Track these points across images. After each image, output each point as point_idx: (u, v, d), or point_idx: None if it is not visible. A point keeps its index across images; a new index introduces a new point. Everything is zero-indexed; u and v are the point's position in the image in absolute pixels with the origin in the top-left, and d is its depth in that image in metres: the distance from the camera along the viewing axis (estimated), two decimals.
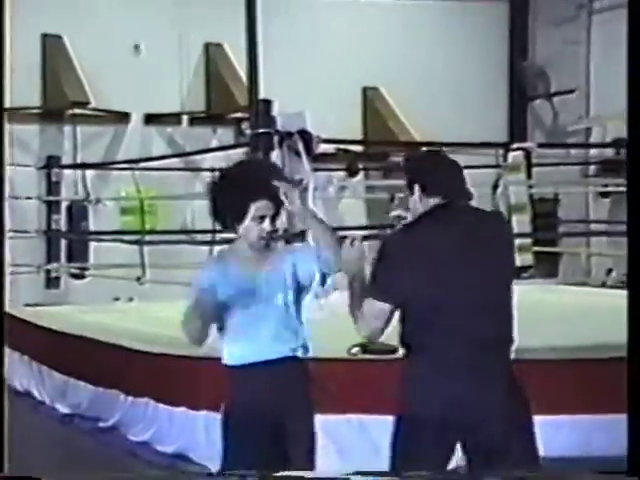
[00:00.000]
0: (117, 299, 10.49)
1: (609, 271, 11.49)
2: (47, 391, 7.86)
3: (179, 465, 5.94)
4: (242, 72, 10.23)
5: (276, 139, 7.67)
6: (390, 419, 3.71)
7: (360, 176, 12.42)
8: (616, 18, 12.17)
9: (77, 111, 11.63)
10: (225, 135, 12.17)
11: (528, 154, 9.63)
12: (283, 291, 3.81)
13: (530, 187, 9.95)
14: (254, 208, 3.76)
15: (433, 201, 3.65)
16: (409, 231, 3.72)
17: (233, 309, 3.82)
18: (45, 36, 11.55)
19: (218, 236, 8.13)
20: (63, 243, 10.93)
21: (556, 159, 11.37)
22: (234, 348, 3.87)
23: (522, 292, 3.79)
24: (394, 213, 3.73)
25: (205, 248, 8.57)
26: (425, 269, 3.57)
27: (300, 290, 3.86)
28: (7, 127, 4.24)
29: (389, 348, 4.70)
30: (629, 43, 3.19)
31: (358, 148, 12.43)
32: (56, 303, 9.69)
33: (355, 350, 5.48)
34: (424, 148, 5.83)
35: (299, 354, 3.86)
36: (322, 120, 7.83)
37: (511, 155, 9.47)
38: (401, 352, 3.72)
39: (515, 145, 9.89)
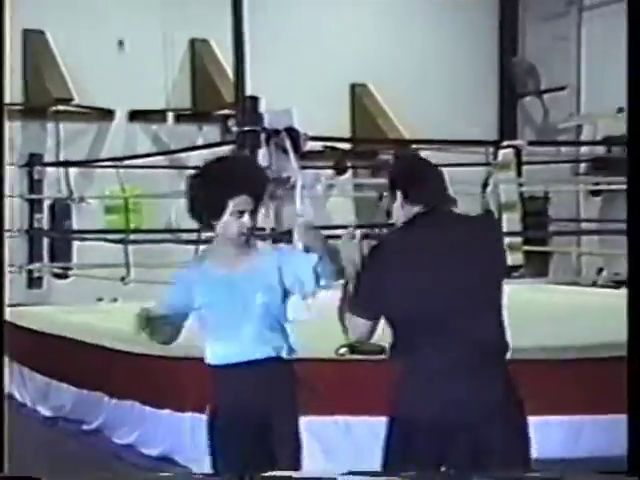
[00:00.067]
0: (100, 299, 10.44)
1: (600, 270, 11.50)
2: (29, 393, 7.79)
3: (165, 468, 5.91)
4: (228, 68, 10.16)
5: (263, 136, 7.63)
6: (377, 420, 3.69)
7: (348, 174, 12.43)
8: (607, 14, 12.17)
9: (60, 108, 11.51)
10: (211, 132, 12.11)
11: (518, 152, 9.65)
12: (263, 291, 3.75)
13: (520, 185, 9.95)
14: (232, 203, 3.69)
15: (416, 209, 3.61)
16: (391, 242, 3.67)
17: (213, 308, 3.78)
18: (27, 31, 11.43)
19: (203, 235, 8.06)
20: (46, 242, 10.86)
21: (546, 157, 11.39)
22: (216, 348, 3.82)
23: (512, 291, 3.79)
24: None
25: (191, 247, 8.50)
26: (411, 280, 3.52)
27: (285, 291, 3.80)
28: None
29: (377, 349, 4.69)
30: (629, 42, 3.17)
31: (346, 146, 12.41)
32: (38, 303, 9.61)
33: (343, 350, 5.48)
34: (406, 154, 5.84)
35: (283, 354, 3.80)
36: (310, 117, 7.81)
37: (501, 153, 9.49)
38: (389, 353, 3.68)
39: (505, 143, 9.91)
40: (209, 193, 3.72)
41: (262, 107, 8.91)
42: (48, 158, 11.35)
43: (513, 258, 8.95)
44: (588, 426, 5.60)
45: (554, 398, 5.48)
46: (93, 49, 11.46)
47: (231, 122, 10.18)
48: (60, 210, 11.07)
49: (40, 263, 10.57)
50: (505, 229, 9.17)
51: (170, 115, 12.28)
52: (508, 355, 3.61)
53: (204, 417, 3.92)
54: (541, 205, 12.33)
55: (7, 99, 11.21)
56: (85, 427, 6.95)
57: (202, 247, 5.68)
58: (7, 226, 9.96)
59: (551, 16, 13.35)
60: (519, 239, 9.59)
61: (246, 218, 3.71)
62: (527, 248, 9.94)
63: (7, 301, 3.74)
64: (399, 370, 3.56)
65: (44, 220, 11.03)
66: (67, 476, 4.48)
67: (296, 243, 7.15)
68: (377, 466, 3.57)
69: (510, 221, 9.38)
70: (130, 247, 9.37)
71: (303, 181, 7.41)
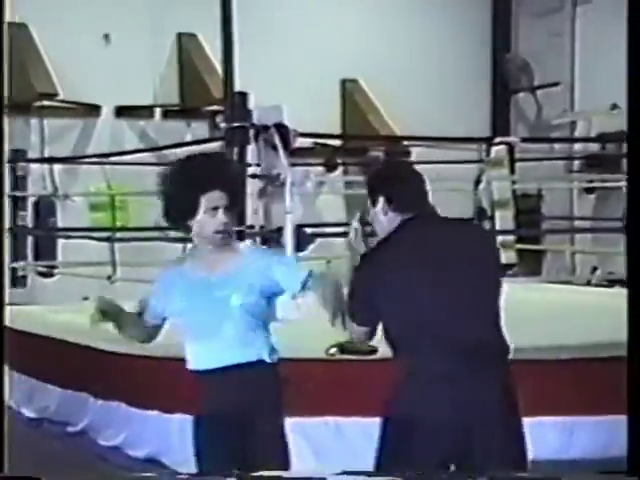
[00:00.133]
0: (86, 298, 10.32)
1: (594, 269, 11.48)
2: (12, 395, 7.69)
3: (152, 470, 5.85)
4: (217, 64, 10.10)
5: (252, 133, 7.61)
6: (368, 421, 3.65)
7: (339, 171, 12.41)
8: (601, 10, 12.11)
9: (44, 103, 11.41)
10: (199, 129, 12.02)
11: (511, 149, 9.68)
12: (243, 292, 3.66)
13: (513, 182, 9.95)
14: (204, 199, 3.62)
15: (400, 216, 3.53)
16: (380, 252, 3.57)
17: (192, 312, 3.71)
18: (9, 25, 11.28)
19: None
20: (30, 240, 10.76)
21: (540, 154, 11.43)
22: (196, 352, 3.76)
23: (505, 291, 3.69)
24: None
25: (178, 245, 8.42)
26: (409, 289, 3.47)
27: (268, 294, 3.73)
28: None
29: (368, 349, 4.68)
30: (629, 41, 3.15)
31: (337, 142, 12.40)
32: (22, 303, 9.49)
33: (333, 350, 5.43)
34: (388, 158, 5.86)
35: (265, 358, 3.71)
36: (299, 113, 7.71)
37: (494, 150, 9.50)
38: (381, 353, 3.64)
39: (498, 139, 9.94)
40: (180, 190, 3.66)
41: (251, 103, 8.87)
42: (32, 154, 11.25)
43: (506, 256, 8.97)
44: (581, 427, 5.58)
45: (547, 398, 5.45)
46: (78, 43, 11.33)
47: (220, 118, 10.11)
48: (44, 207, 10.98)
49: (24, 261, 10.47)
50: (498, 227, 9.18)
51: (157, 111, 12.20)
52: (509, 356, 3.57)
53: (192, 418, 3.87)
54: (534, 203, 12.32)
55: None
56: (70, 429, 6.89)
57: (190, 245, 5.60)
58: None
59: (545, 11, 13.36)
60: (512, 237, 9.57)
61: (221, 215, 3.63)
62: (520, 246, 9.96)
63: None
64: (398, 373, 3.52)
65: (28, 217, 10.93)
66: (52, 478, 4.41)
67: (284, 244, 7.08)
68: (368, 467, 3.55)
69: (503, 219, 9.42)
70: (116, 245, 9.31)
71: (293, 178, 7.37)
